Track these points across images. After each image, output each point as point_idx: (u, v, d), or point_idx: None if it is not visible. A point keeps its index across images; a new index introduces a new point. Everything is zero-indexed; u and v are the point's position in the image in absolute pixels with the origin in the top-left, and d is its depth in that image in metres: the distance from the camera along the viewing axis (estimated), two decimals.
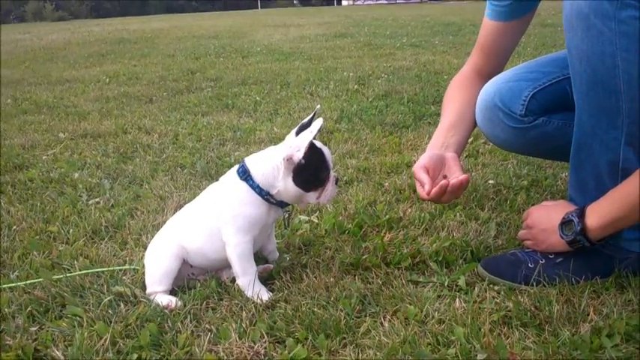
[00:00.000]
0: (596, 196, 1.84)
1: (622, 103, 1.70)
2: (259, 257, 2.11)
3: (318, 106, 2.04)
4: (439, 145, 2.16)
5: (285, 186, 1.88)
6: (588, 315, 1.71)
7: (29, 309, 1.87)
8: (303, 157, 1.82)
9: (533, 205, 2.44)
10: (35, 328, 1.78)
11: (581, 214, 1.81)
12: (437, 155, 2.10)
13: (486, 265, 2.00)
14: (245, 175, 1.90)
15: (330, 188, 1.93)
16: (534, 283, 1.89)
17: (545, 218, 1.96)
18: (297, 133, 1.89)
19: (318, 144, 1.88)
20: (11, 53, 11.66)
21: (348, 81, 6.14)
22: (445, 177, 2.03)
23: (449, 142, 2.17)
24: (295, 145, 1.83)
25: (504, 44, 2.29)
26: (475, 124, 2.29)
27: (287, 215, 2.09)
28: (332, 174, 1.94)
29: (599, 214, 1.79)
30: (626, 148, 1.77)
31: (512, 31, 2.26)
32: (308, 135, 1.80)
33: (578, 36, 1.74)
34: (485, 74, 2.27)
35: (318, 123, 1.81)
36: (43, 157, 3.71)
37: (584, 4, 1.69)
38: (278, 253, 2.18)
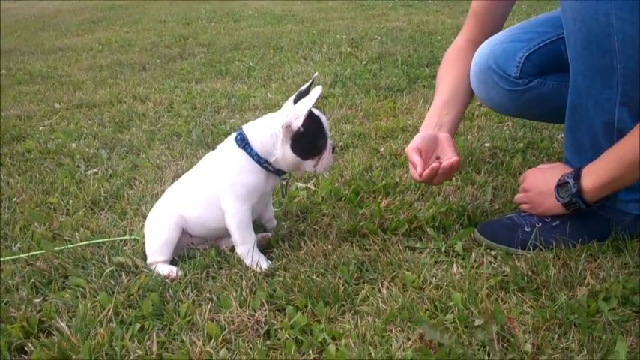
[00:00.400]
0: (592, 157, 1.86)
1: (616, 62, 1.70)
2: (257, 226, 2.13)
3: (316, 73, 2.04)
4: (433, 125, 2.16)
5: (283, 154, 1.89)
6: (585, 279, 1.74)
7: (32, 280, 1.90)
8: (302, 125, 1.83)
9: (529, 168, 2.46)
10: (39, 300, 1.81)
11: (577, 176, 1.83)
12: (430, 136, 2.10)
13: (483, 229, 2.02)
14: (243, 143, 1.91)
15: (326, 156, 1.95)
16: (531, 247, 1.91)
17: (542, 181, 1.97)
18: (295, 101, 1.90)
19: (316, 112, 1.89)
20: (2, 22, 11.54)
21: (341, 44, 6.10)
22: (438, 158, 2.05)
23: (442, 122, 2.16)
24: (294, 113, 1.84)
25: (499, 9, 2.27)
26: (470, 98, 2.29)
27: (284, 183, 2.10)
28: (329, 142, 1.95)
29: (594, 175, 1.80)
30: (620, 109, 1.77)
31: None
32: (307, 103, 1.81)
33: None
34: (481, 43, 2.26)
35: (317, 91, 1.81)
36: (40, 128, 3.72)
37: None
38: (276, 222, 2.20)
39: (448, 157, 2.00)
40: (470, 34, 2.32)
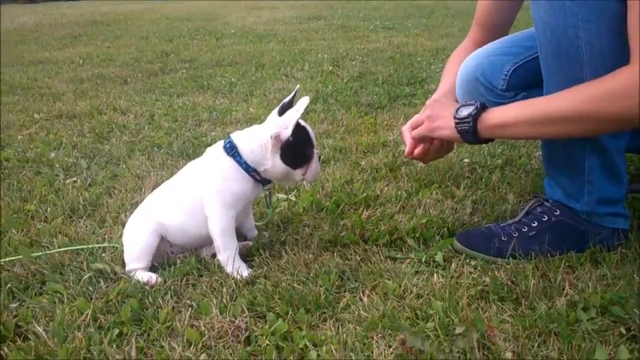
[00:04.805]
0: (565, 167, 1.93)
1: (585, 74, 1.72)
2: (238, 235, 2.12)
3: (298, 86, 2.06)
4: None
5: (273, 163, 1.91)
6: (564, 289, 1.74)
7: (9, 286, 1.87)
8: (291, 135, 1.85)
9: (507, 183, 2.49)
10: (15, 305, 1.79)
11: (483, 105, 1.85)
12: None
13: (460, 237, 2.04)
14: (232, 150, 1.92)
15: (314, 165, 1.98)
16: (510, 258, 1.93)
17: (446, 104, 1.99)
18: (280, 113, 1.92)
19: (302, 122, 1.92)
20: None
21: (322, 62, 6.14)
22: None
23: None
24: (282, 124, 1.86)
25: (501, 19, 2.30)
26: None
27: (268, 193, 2.09)
28: (316, 151, 1.97)
29: (496, 113, 1.82)
30: None
31: (508, 7, 2.27)
32: (295, 113, 1.84)
33: (542, 8, 1.77)
34: None
35: (304, 102, 1.84)
36: (19, 137, 3.68)
37: None
38: (256, 231, 2.20)
39: None
40: (475, 40, 2.34)
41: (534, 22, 1.83)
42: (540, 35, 1.82)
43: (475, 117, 1.82)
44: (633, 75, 1.56)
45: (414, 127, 2.04)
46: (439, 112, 1.96)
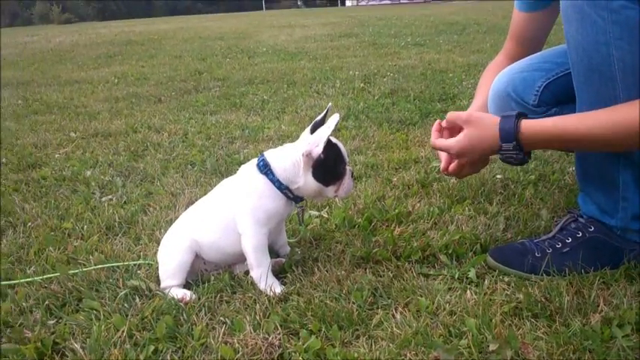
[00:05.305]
0: (599, 184, 1.92)
1: (619, 91, 1.71)
2: (271, 252, 2.13)
3: (330, 103, 2.06)
4: None
5: (305, 181, 1.92)
6: (598, 306, 1.73)
7: (46, 303, 1.90)
8: (323, 152, 1.86)
9: (540, 199, 2.47)
10: (53, 322, 1.81)
11: (518, 129, 1.81)
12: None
13: (494, 253, 2.03)
14: (266, 168, 1.94)
15: (347, 181, 1.98)
16: (544, 274, 1.91)
17: (476, 140, 1.92)
18: (312, 131, 1.93)
19: (333, 139, 1.93)
20: (20, 55, 11.73)
21: (353, 79, 6.17)
22: None
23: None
24: (313, 141, 1.87)
25: (535, 33, 2.31)
26: None
27: (301, 210, 2.11)
28: (348, 167, 1.98)
29: (532, 137, 1.81)
30: None
31: (541, 21, 2.27)
32: (325, 130, 1.84)
33: (573, 26, 1.76)
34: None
35: (334, 119, 1.85)
36: (56, 156, 3.76)
37: None
38: (289, 248, 2.21)
39: None
40: (509, 53, 2.36)
41: (566, 40, 1.83)
42: (572, 53, 1.81)
43: (521, 148, 1.82)
44: None
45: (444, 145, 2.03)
46: (476, 147, 1.91)
